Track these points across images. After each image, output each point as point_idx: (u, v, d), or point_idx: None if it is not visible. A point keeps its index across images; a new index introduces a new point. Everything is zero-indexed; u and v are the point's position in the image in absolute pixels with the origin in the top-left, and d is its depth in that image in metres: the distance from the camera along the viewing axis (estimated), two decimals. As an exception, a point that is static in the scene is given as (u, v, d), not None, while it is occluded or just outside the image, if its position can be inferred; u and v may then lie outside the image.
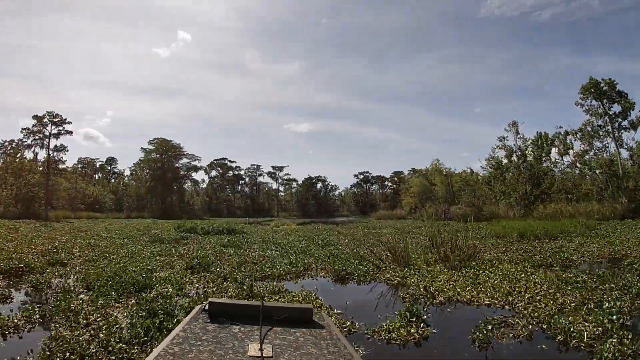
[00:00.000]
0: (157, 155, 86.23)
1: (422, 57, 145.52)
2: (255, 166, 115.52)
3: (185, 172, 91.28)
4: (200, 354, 1.91)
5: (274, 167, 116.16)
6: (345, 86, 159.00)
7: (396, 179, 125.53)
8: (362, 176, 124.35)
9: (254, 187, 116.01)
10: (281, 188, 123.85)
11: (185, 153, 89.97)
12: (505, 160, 48.70)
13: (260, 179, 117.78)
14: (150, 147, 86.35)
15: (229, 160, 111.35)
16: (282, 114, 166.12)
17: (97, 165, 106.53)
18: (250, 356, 1.92)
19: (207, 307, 2.57)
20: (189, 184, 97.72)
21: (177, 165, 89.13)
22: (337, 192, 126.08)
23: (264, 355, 1.91)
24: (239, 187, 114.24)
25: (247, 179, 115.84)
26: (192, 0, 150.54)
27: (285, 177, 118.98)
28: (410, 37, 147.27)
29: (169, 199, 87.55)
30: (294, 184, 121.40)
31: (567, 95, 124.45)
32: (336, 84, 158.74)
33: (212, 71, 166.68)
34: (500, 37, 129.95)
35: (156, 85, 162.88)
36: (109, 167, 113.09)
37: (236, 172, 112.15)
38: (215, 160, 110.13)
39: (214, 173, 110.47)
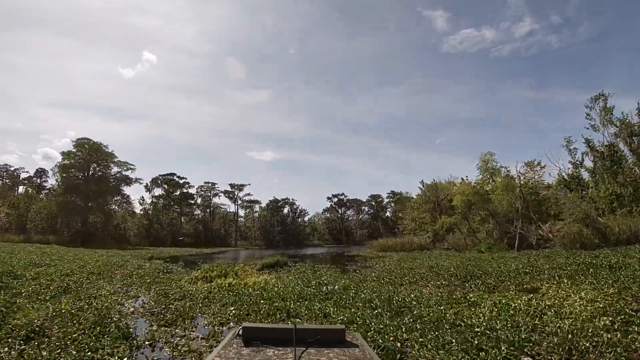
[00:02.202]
0: (80, 161, 64.72)
1: (388, 88, 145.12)
2: (209, 184, 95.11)
3: (114, 183, 69.25)
4: None
5: (232, 186, 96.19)
6: (311, 115, 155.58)
7: (374, 202, 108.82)
8: (336, 199, 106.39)
9: (208, 210, 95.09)
10: (241, 212, 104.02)
11: (117, 160, 68.94)
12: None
13: (215, 200, 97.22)
14: (72, 149, 64.90)
15: (178, 177, 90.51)
16: (246, 141, 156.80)
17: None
18: None
19: (240, 332, 2.64)
20: (123, 203, 75.50)
21: (105, 175, 67.67)
22: (306, 218, 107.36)
23: None
24: (189, 210, 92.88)
25: (198, 200, 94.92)
26: (162, 21, 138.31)
27: (246, 199, 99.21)
28: (377, 68, 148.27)
29: (91, 219, 65.76)
30: (257, 207, 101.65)
31: (527, 126, 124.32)
32: (303, 112, 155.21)
33: (178, 94, 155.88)
34: (462, 70, 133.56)
35: (120, 106, 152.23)
36: (38, 180, 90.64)
37: (185, 191, 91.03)
38: (160, 175, 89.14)
39: (158, 192, 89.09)
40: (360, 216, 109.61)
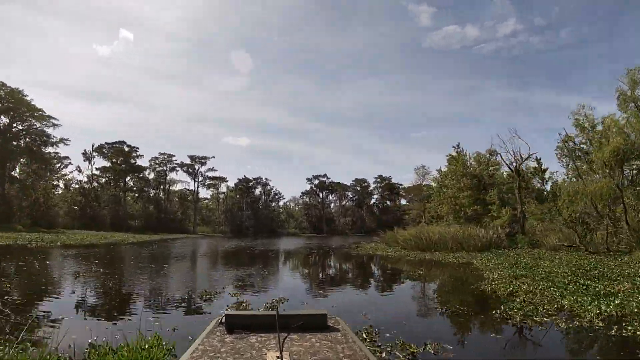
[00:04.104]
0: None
1: (370, 81, 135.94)
2: (165, 156, 78.03)
3: (29, 141, 52.08)
4: None
5: (192, 159, 79.31)
6: (291, 104, 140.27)
7: (359, 187, 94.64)
8: (317, 181, 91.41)
9: (162, 187, 78.20)
10: (204, 192, 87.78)
11: (39, 114, 51.56)
12: None
13: (172, 175, 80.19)
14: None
15: (128, 145, 73.25)
16: (222, 127, 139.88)
17: None
18: None
19: (223, 320, 2.58)
20: (43, 170, 57.54)
21: (19, 130, 50.32)
22: (282, 203, 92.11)
23: None
24: (139, 186, 75.75)
25: (151, 175, 77.80)
26: (143, 1, 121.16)
27: (209, 175, 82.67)
28: (359, 62, 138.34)
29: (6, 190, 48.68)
30: (223, 188, 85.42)
31: (503, 125, 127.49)
32: (282, 101, 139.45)
33: (153, 77, 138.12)
34: (444, 67, 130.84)
35: (93, 87, 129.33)
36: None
37: (134, 162, 73.77)
38: (107, 143, 71.72)
39: (101, 163, 71.59)
40: (344, 202, 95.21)
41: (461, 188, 33.73)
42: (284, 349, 2.09)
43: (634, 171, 25.89)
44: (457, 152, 36.85)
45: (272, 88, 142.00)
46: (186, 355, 2.04)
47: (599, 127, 27.78)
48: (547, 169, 33.33)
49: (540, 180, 32.93)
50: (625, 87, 25.85)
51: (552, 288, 10.90)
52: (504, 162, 26.11)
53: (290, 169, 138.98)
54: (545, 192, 31.19)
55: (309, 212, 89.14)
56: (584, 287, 10.89)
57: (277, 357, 1.96)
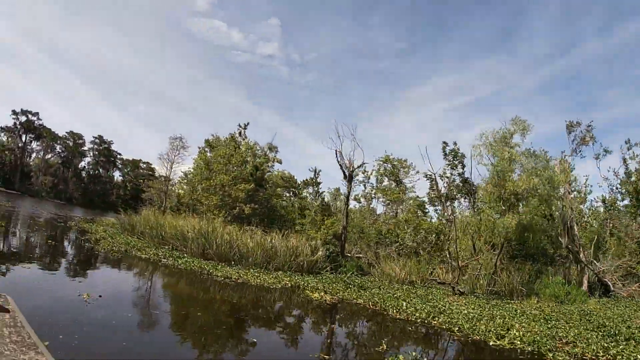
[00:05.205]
0: None
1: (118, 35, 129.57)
2: None
3: None
4: None
5: None
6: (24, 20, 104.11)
7: (71, 142, 79.16)
8: (24, 118, 71.11)
9: None
10: None
11: None
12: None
13: None
14: None
15: None
16: None
17: None
18: None
19: None
20: None
21: None
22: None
23: None
24: None
25: None
26: None
27: None
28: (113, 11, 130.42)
29: None
30: None
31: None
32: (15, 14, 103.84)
33: None
34: (190, 54, 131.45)
35: None
36: None
37: None
38: None
39: None
40: (49, 156, 77.24)
41: (240, 178, 30.89)
42: None
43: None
44: (239, 132, 33.80)
45: None
46: None
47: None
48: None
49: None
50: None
51: None
52: (338, 161, 23.91)
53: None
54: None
55: (2, 156, 68.17)
56: None
57: None
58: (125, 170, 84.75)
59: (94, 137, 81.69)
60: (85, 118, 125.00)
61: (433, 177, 28.30)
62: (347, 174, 24.41)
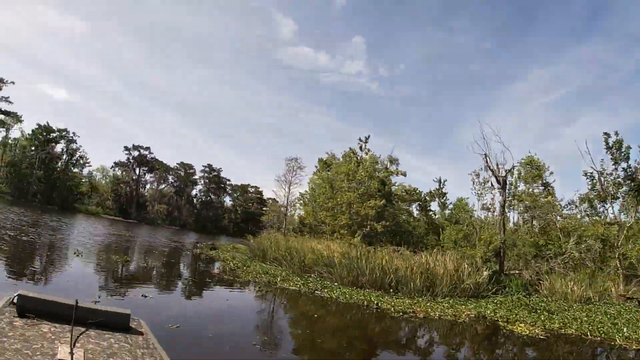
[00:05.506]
0: None
1: (204, 69, 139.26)
2: None
3: None
4: (4, 352, 1.73)
5: None
6: (122, 68, 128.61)
7: (182, 172, 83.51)
8: (137, 152, 76.73)
9: None
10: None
11: None
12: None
13: None
14: None
15: None
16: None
17: None
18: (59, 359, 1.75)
19: (15, 300, 2.30)
20: None
21: None
22: (87, 171, 74.46)
23: None
24: None
25: None
26: None
27: None
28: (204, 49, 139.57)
29: None
30: (17, 131, 63.84)
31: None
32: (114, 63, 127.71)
33: None
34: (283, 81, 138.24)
35: None
36: None
37: None
38: None
39: None
40: (162, 186, 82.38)
41: (366, 194, 29.24)
42: (79, 345, 1.92)
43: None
44: (360, 147, 32.13)
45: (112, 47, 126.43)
46: None
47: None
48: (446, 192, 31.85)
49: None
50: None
51: None
52: (489, 166, 21.54)
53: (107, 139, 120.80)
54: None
55: (118, 189, 73.79)
56: None
57: (70, 353, 1.76)
58: (235, 195, 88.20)
59: (203, 165, 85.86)
60: (187, 150, 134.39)
61: (596, 174, 24.37)
62: (499, 179, 21.57)
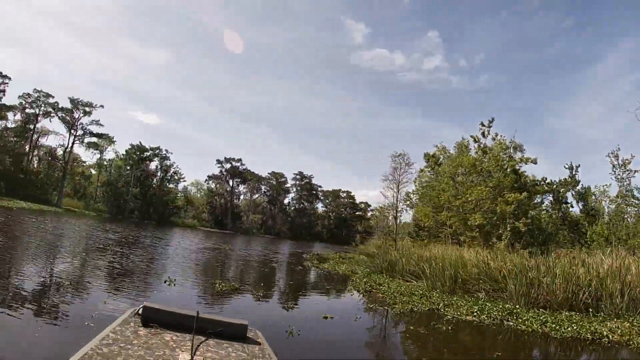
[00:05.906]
0: None
1: (291, 83, 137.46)
2: (41, 94, 57.59)
3: None
4: (128, 358, 1.80)
5: (73, 102, 58.93)
6: (207, 88, 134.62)
7: (274, 181, 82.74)
8: (229, 165, 77.08)
9: (27, 135, 57.54)
10: (84, 154, 67.94)
11: None
12: None
13: (46, 123, 59.61)
14: None
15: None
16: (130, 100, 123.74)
17: None
18: None
19: (140, 311, 2.46)
20: None
21: None
22: (182, 186, 76.20)
23: None
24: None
25: (17, 115, 56.99)
26: None
27: (91, 129, 61.15)
28: (281, 61, 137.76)
29: None
30: (110, 152, 66.71)
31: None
32: (198, 84, 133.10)
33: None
34: (364, 85, 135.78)
35: None
36: None
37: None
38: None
39: None
40: (255, 196, 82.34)
41: (499, 187, 24.50)
42: (198, 353, 2.00)
43: None
44: (482, 133, 27.30)
45: (194, 70, 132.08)
46: (95, 340, 1.90)
47: None
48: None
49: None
50: None
51: None
52: None
53: (197, 156, 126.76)
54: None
55: (213, 202, 74.48)
56: None
57: None
58: (327, 200, 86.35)
59: (294, 173, 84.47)
60: (277, 160, 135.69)
61: None
62: None
